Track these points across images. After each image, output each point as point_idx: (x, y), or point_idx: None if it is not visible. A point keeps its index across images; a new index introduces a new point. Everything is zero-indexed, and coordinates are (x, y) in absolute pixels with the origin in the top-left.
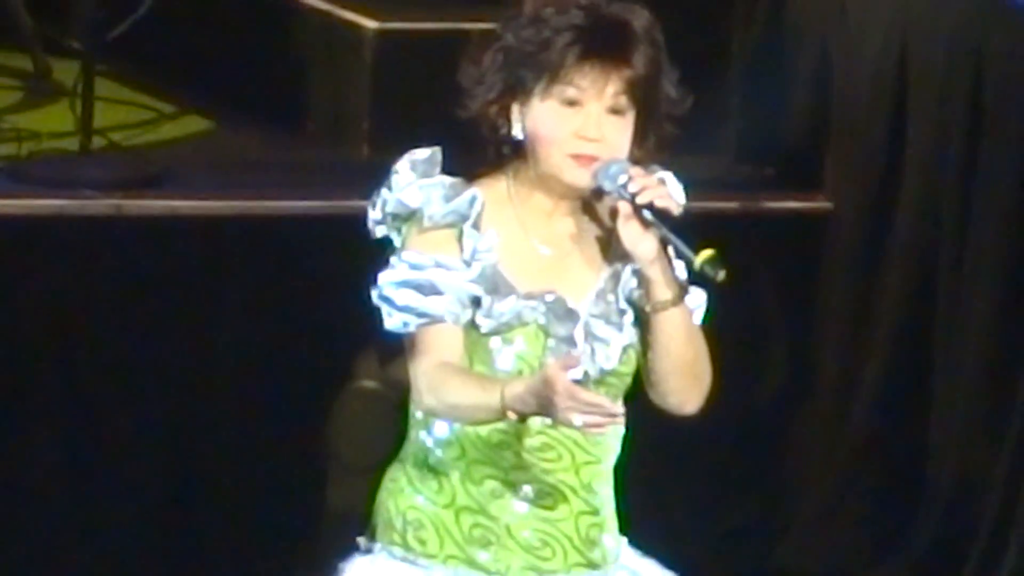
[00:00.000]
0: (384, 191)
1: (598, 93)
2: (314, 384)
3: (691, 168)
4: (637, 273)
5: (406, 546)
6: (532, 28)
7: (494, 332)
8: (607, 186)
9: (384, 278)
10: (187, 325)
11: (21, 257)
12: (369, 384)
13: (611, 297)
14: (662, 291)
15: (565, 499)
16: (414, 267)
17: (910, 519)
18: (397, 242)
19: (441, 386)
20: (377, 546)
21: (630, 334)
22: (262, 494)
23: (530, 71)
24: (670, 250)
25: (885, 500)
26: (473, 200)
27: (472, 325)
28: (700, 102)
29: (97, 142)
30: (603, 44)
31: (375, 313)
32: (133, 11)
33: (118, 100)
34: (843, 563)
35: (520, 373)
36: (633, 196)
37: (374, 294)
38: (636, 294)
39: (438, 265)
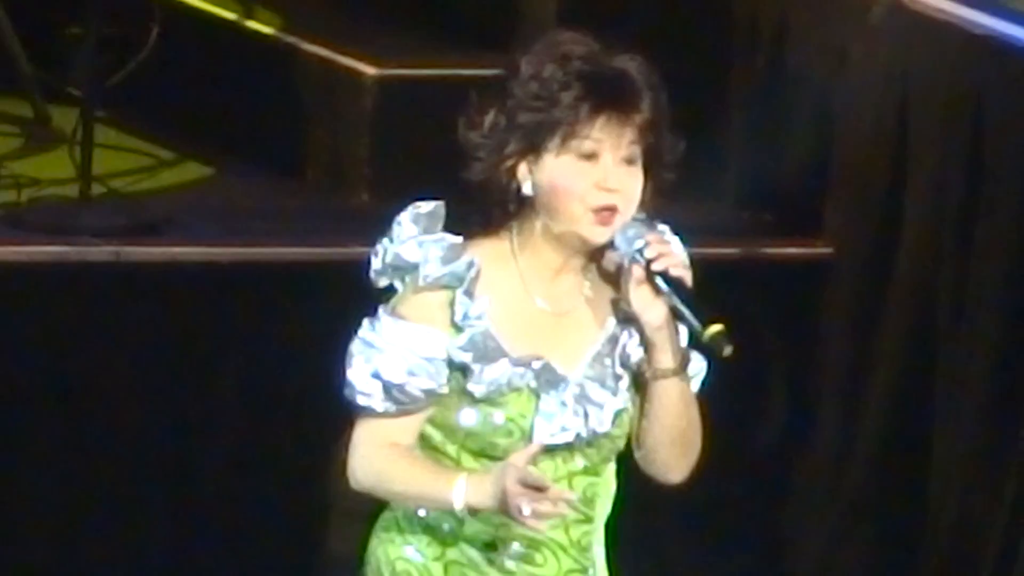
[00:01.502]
0: (385, 242)
1: (614, 144)
2: (314, 430)
3: (691, 214)
4: (642, 338)
5: None
6: (535, 85)
7: (486, 399)
8: (622, 247)
9: (364, 336)
10: (187, 372)
11: (20, 304)
12: None
13: (608, 361)
14: (665, 359)
15: (555, 557)
16: (390, 342)
17: (909, 571)
18: (400, 289)
19: (383, 472)
20: None
21: (624, 398)
22: (263, 538)
23: (542, 129)
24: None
25: (884, 552)
26: (470, 265)
27: (464, 392)
28: (700, 148)
29: (96, 189)
30: (612, 94)
31: None
32: (132, 58)
33: (117, 147)
34: None
35: (510, 433)
36: (648, 262)
37: (355, 343)
38: (638, 359)
39: (423, 338)
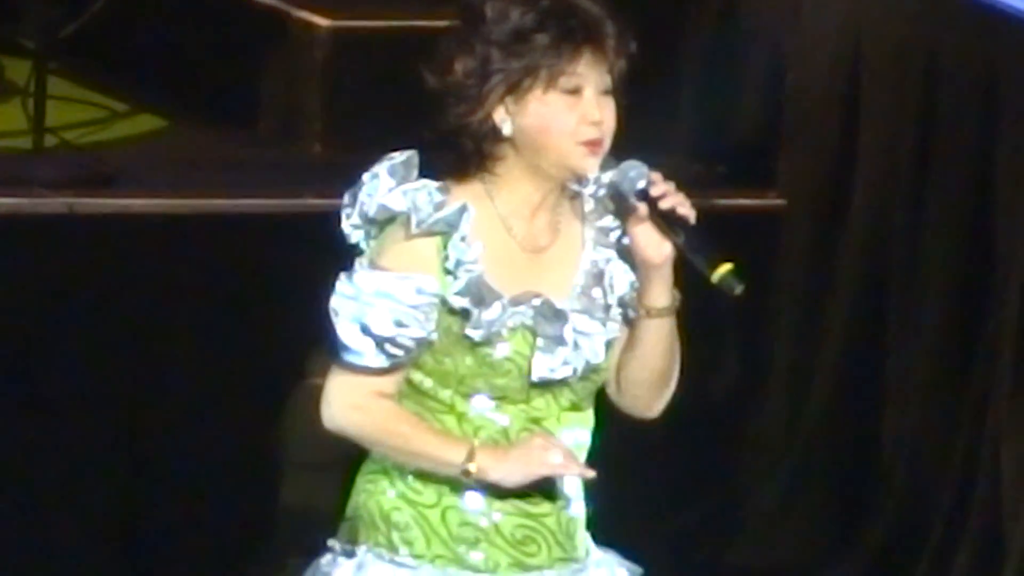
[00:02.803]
0: (362, 195)
1: (594, 77)
2: (266, 382)
3: None
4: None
5: (392, 547)
6: (507, 28)
7: (484, 341)
8: (624, 186)
9: (345, 292)
10: (139, 323)
11: None
12: (321, 382)
13: (595, 292)
14: (661, 297)
15: (547, 495)
16: (377, 295)
17: (864, 515)
18: (365, 246)
19: (378, 424)
20: (362, 549)
21: (612, 329)
22: (214, 491)
23: (525, 72)
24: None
25: (839, 496)
26: (463, 210)
27: (460, 337)
28: (652, 99)
29: (49, 141)
30: (588, 30)
31: (327, 312)
32: (86, 9)
33: (71, 99)
34: (798, 560)
35: (508, 372)
36: (655, 200)
37: (337, 300)
38: (622, 295)
39: (410, 287)
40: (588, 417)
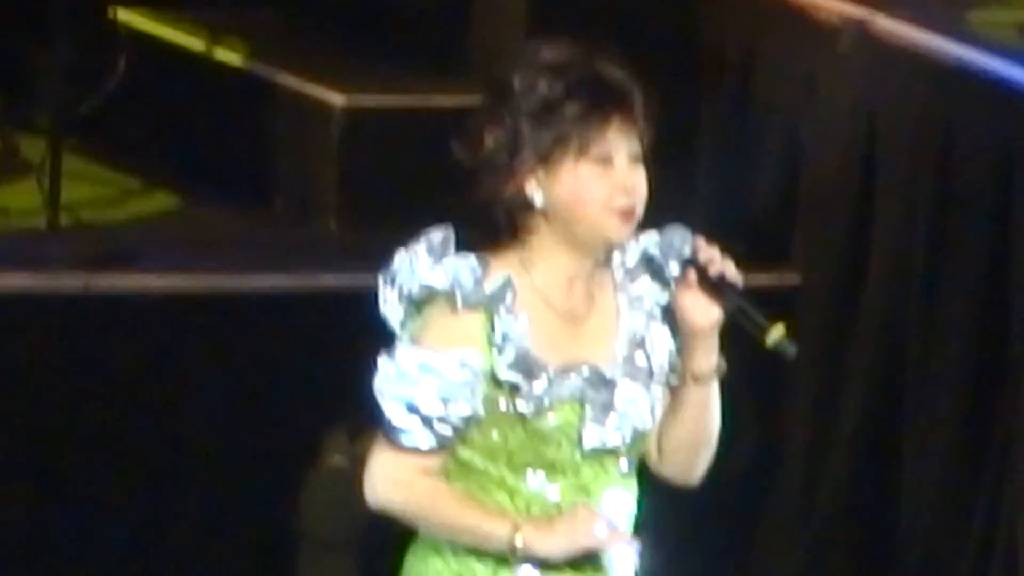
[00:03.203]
0: (401, 276)
1: (624, 146)
2: (283, 461)
3: None
4: (677, 340)
5: None
6: (536, 99)
7: (535, 413)
8: (668, 254)
9: (390, 373)
10: (156, 402)
11: None
12: (339, 461)
13: (639, 358)
14: (706, 362)
15: (598, 567)
16: (423, 373)
17: None
18: (399, 328)
19: (425, 502)
20: None
21: (656, 394)
22: (231, 570)
23: (555, 142)
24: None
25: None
26: (507, 283)
27: (510, 411)
28: (668, 176)
29: (65, 219)
30: (616, 100)
31: (344, 390)
32: (101, 88)
33: (86, 177)
34: None
35: (559, 444)
36: (703, 267)
37: (381, 381)
38: (662, 360)
39: (456, 363)
40: (633, 484)
